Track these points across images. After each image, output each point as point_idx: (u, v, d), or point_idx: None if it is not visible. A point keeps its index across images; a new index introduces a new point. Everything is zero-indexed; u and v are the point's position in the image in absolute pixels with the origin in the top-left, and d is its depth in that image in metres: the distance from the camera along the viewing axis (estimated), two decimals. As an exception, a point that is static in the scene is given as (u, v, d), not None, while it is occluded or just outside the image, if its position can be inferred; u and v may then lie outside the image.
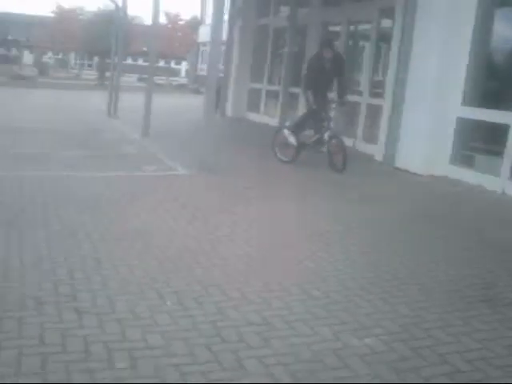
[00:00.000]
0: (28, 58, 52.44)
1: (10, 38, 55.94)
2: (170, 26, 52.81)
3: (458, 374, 3.33)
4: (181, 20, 55.08)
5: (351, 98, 11.83)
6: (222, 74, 21.40)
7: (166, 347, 3.40)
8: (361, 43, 13.98)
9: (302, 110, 15.14)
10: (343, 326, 3.85)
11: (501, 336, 3.86)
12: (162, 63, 59.72)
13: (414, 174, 9.75)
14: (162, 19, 51.40)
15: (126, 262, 4.75)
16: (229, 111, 19.31)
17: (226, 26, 19.69)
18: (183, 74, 61.51)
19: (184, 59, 58.21)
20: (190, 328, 3.67)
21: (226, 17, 20.61)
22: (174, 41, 51.70)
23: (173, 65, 62.69)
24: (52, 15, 53.90)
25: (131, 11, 38.38)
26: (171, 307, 3.95)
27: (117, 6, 17.12)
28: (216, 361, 3.29)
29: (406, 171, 9.94)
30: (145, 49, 28.50)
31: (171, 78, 48.87)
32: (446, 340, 3.73)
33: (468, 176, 9.30)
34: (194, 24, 50.06)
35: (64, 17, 52.12)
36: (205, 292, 4.24)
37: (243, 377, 3.15)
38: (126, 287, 4.24)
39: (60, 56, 57.26)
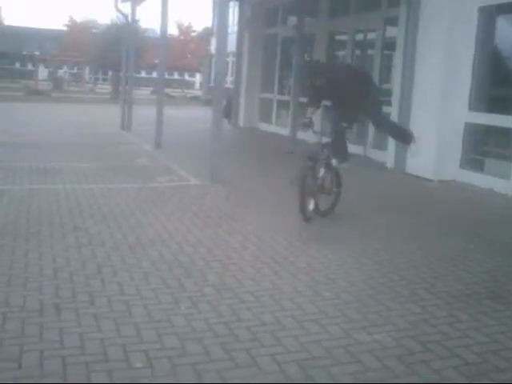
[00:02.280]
0: (43, 72, 53.04)
1: (24, 52, 56.64)
2: (182, 37, 53.21)
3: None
4: (193, 31, 55.45)
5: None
6: (231, 85, 21.64)
7: (180, 348, 3.56)
8: (368, 52, 14.10)
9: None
10: (353, 323, 3.97)
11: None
12: (175, 75, 60.22)
13: (425, 179, 9.85)
14: (174, 31, 51.86)
15: (141, 270, 4.92)
16: (241, 121, 19.48)
17: (235, 37, 19.98)
18: (198, 85, 61.83)
19: (198, 71, 58.57)
20: (204, 329, 3.82)
21: (235, 28, 21.03)
22: (186, 52, 52.09)
23: (187, 77, 63.05)
24: (65, 29, 54.48)
25: (144, 23, 38.63)
26: (186, 311, 4.11)
27: (126, 18, 17.30)
28: (231, 359, 3.43)
29: (417, 177, 10.04)
30: (157, 61, 28.82)
31: (186, 90, 49.19)
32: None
33: (478, 180, 9.39)
34: (207, 35, 50.39)
35: (77, 30, 52.61)
36: (219, 295, 4.39)
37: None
38: (141, 292, 4.40)
39: (75, 70, 57.81)
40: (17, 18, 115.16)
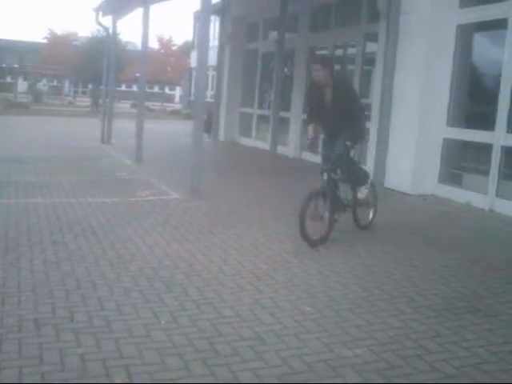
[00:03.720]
0: (22, 85, 52.74)
1: (3, 65, 56.30)
2: (162, 51, 53.19)
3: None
4: (174, 45, 55.46)
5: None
6: (212, 100, 21.69)
7: (161, 363, 3.54)
8: (348, 67, 14.21)
9: (293, 134, 15.37)
10: (334, 338, 3.98)
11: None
12: (156, 89, 60.18)
13: (403, 193, 9.93)
14: (155, 44, 51.84)
15: (121, 285, 4.90)
16: (221, 136, 19.51)
17: (216, 51, 20.09)
18: (178, 99, 61.83)
19: (178, 85, 58.60)
20: (183, 344, 3.80)
21: (216, 42, 21.13)
22: (166, 66, 52.05)
23: (167, 90, 63.04)
24: (45, 41, 54.22)
25: (124, 37, 38.78)
26: (166, 326, 4.09)
27: (107, 31, 17.35)
28: (212, 374, 3.42)
29: (395, 191, 10.11)
30: (138, 75, 28.87)
31: (165, 104, 49.17)
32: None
33: (456, 194, 9.49)
34: (187, 49, 50.48)
35: (56, 43, 52.38)
36: (199, 310, 4.38)
37: (236, 390, 3.29)
38: (121, 308, 4.38)
39: (54, 83, 57.57)
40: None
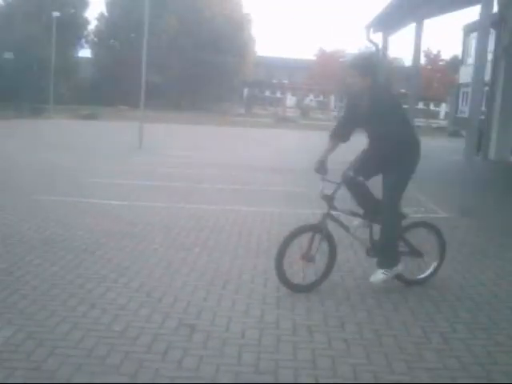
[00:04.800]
0: (291, 100, 55.66)
1: (274, 81, 59.99)
2: (429, 66, 52.39)
3: None
4: (441, 60, 54.36)
5: None
6: (482, 116, 20.84)
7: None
8: None
9: None
10: None
11: None
12: (420, 105, 59.51)
13: None
14: (422, 59, 51.28)
15: (388, 300, 4.91)
16: (491, 154, 18.61)
17: (489, 66, 19.25)
18: (442, 116, 60.42)
19: (443, 101, 57.25)
20: (456, 368, 3.70)
21: (489, 56, 20.24)
22: (432, 82, 51.14)
23: (432, 107, 61.97)
24: (314, 58, 56.64)
25: (391, 53, 39.01)
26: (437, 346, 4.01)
27: (376, 47, 17.60)
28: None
29: None
30: (402, 90, 28.83)
31: (430, 121, 48.31)
32: None
33: None
34: (454, 64, 49.16)
35: (325, 60, 54.34)
36: (471, 335, 4.22)
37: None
38: (390, 322, 4.39)
39: (321, 98, 59.82)
40: (268, 49, 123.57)
